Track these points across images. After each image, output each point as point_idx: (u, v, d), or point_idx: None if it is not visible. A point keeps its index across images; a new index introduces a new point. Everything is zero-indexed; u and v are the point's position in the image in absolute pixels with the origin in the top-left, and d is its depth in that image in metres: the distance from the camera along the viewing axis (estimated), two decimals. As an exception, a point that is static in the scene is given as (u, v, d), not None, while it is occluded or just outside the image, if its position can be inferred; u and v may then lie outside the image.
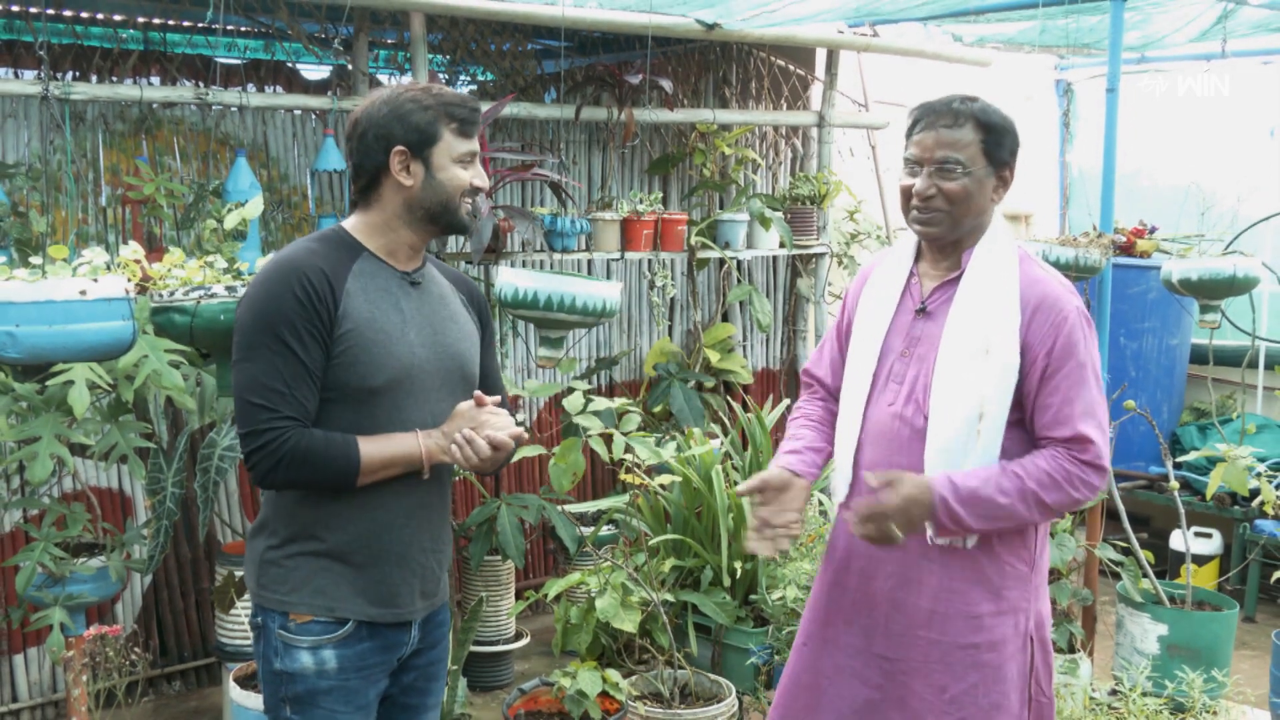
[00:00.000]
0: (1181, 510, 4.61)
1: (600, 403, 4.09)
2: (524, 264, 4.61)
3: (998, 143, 2.36)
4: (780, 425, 5.03)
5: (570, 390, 4.05)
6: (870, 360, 2.48)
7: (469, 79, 5.38)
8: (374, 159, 2.23)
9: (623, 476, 3.97)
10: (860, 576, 2.52)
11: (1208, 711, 3.96)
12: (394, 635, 2.30)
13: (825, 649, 2.57)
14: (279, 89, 4.79)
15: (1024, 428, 2.38)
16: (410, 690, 2.39)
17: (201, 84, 4.33)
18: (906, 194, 2.40)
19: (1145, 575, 4.35)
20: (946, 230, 2.39)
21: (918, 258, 2.51)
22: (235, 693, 3.63)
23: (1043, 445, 2.35)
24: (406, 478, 2.25)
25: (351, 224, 2.31)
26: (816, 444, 2.62)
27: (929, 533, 2.38)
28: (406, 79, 4.94)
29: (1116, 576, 4.40)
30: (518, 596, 4.69)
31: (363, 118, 2.25)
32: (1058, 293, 2.34)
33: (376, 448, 2.18)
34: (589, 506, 4.40)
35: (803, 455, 2.58)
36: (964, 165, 2.34)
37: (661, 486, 4.11)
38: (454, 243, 4.86)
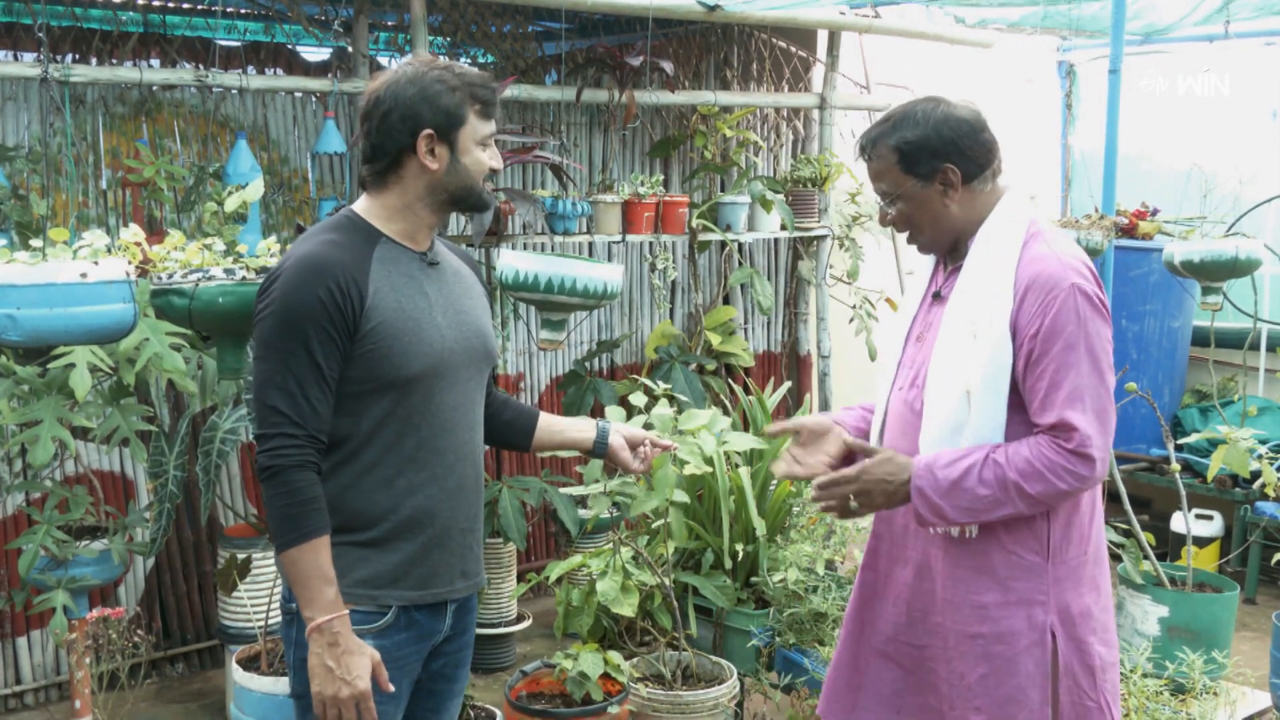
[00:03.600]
0: (1183, 492, 4.61)
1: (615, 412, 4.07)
2: (525, 247, 4.60)
3: (914, 160, 2.31)
4: (782, 408, 5.04)
5: (572, 373, 4.05)
6: (897, 347, 2.52)
7: (469, 61, 5.36)
8: (397, 140, 2.16)
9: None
10: (887, 561, 2.54)
11: (1208, 692, 3.97)
12: (430, 623, 2.27)
13: (863, 631, 2.59)
14: (279, 71, 4.77)
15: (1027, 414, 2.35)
16: (439, 677, 2.37)
17: (201, 66, 4.32)
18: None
19: (1146, 557, 4.36)
20: (929, 244, 2.43)
21: None
22: (238, 675, 3.64)
23: (1035, 433, 2.28)
24: (445, 460, 2.24)
25: (364, 208, 2.24)
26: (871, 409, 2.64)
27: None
28: (410, 57, 4.91)
29: (1117, 558, 4.41)
30: (519, 579, 4.70)
31: (386, 96, 2.15)
32: (1051, 271, 2.23)
33: (318, 561, 2.09)
34: (590, 490, 4.39)
35: (853, 410, 2.64)
36: (892, 194, 2.37)
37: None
38: (455, 224, 4.85)
